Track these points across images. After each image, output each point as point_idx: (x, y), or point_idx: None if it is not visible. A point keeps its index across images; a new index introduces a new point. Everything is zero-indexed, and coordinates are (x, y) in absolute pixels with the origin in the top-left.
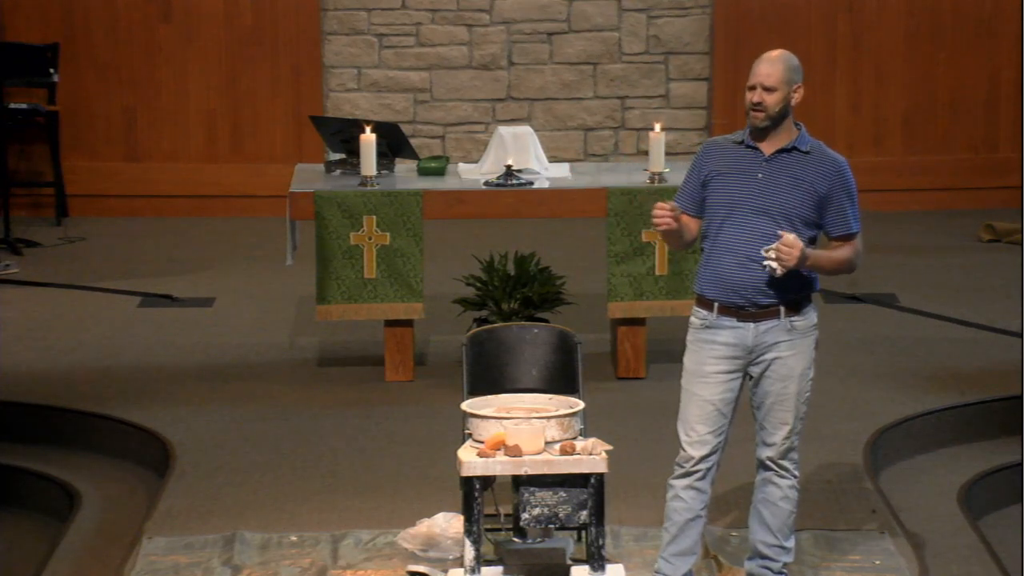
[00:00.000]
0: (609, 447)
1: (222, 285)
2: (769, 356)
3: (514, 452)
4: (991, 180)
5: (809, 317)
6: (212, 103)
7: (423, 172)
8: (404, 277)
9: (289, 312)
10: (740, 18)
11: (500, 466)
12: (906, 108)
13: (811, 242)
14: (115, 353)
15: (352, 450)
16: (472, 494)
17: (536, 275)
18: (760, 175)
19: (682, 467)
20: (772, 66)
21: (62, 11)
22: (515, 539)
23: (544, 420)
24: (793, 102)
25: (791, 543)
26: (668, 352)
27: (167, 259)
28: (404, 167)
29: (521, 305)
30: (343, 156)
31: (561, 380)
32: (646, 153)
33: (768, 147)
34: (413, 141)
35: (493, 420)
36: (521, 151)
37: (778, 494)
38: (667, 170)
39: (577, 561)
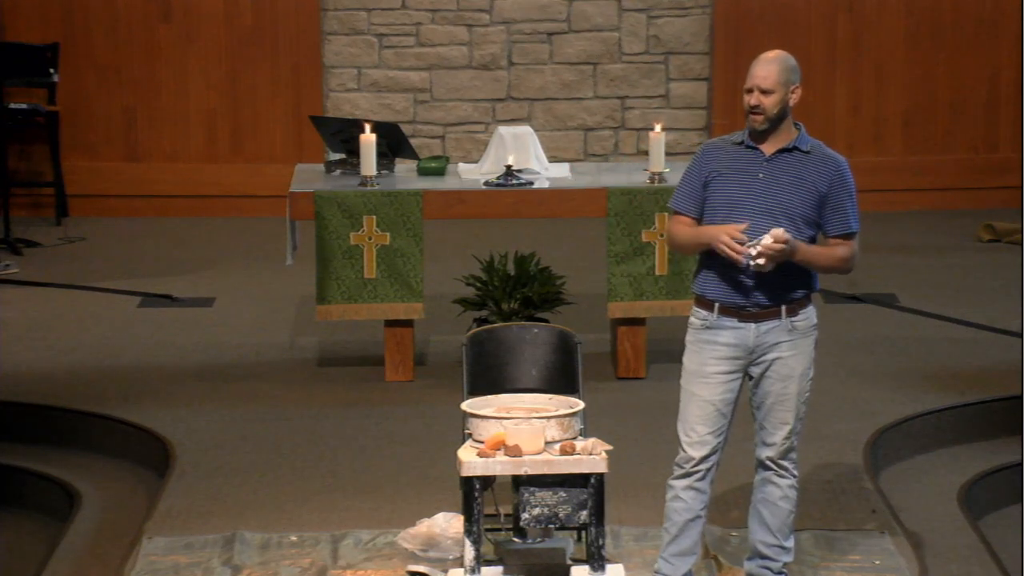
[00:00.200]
0: (609, 447)
1: (222, 285)
2: (770, 356)
3: (514, 452)
4: (991, 180)
5: (809, 317)
6: (212, 103)
7: (423, 172)
8: (404, 277)
9: (289, 312)
10: (740, 18)
11: (500, 466)
12: (906, 108)
13: (811, 241)
14: (115, 353)
15: (352, 450)
16: (472, 494)
17: (536, 275)
18: (761, 175)
19: (682, 467)
20: (768, 68)
21: (62, 11)
22: (515, 539)
23: (544, 420)
24: (791, 103)
25: (791, 543)
26: (668, 352)
27: (167, 259)
28: (404, 167)
29: (521, 305)
30: (343, 156)
31: (561, 380)
32: (646, 153)
33: (768, 147)
34: (413, 141)
35: (493, 420)
36: (521, 151)
37: (777, 494)
38: (667, 170)
39: (577, 561)
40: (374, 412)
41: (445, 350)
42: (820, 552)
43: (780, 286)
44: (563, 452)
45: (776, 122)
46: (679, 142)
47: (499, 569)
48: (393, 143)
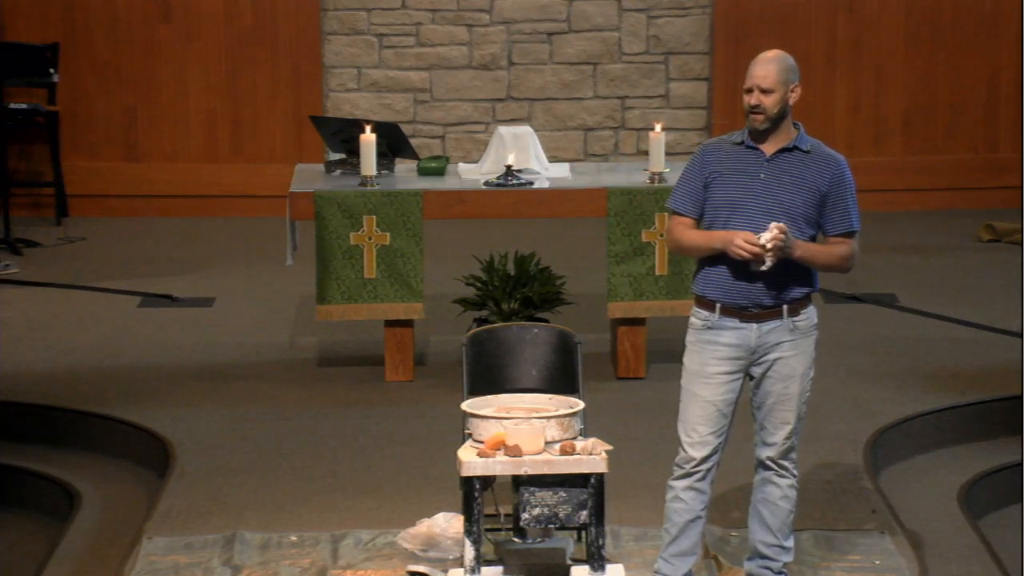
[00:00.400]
0: (609, 447)
1: (222, 285)
2: (772, 356)
3: (514, 452)
4: (991, 180)
5: (810, 317)
6: (212, 103)
7: (423, 172)
8: (404, 277)
9: (289, 312)
10: (740, 18)
11: (500, 466)
12: (906, 108)
13: (811, 240)
14: (115, 353)
15: (352, 450)
16: (472, 494)
17: (536, 275)
18: (762, 175)
19: (682, 468)
20: (768, 68)
21: (62, 11)
22: (515, 539)
23: (544, 420)
24: (791, 102)
25: (791, 543)
26: (668, 352)
27: (167, 259)
28: (404, 167)
29: (521, 305)
30: (343, 156)
31: (561, 380)
32: (646, 153)
33: (769, 147)
34: (413, 141)
35: (493, 420)
36: (521, 151)
37: (778, 494)
38: (667, 170)
39: (577, 561)
40: (374, 412)
41: (445, 350)
42: (820, 552)
43: (781, 286)
44: (563, 452)
45: (776, 122)
46: (679, 142)
47: (499, 569)
48: (393, 143)
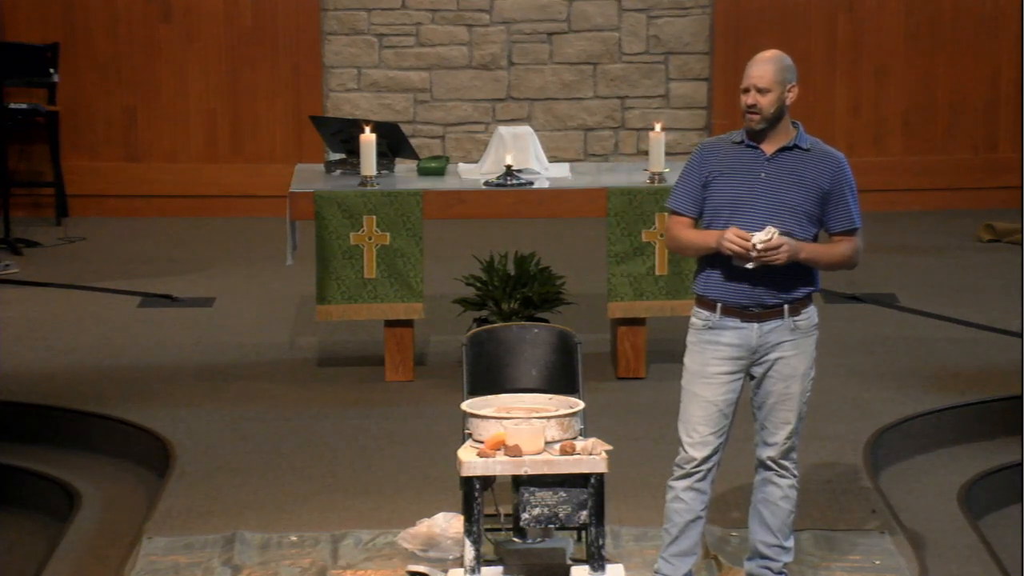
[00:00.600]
0: (609, 447)
1: (222, 285)
2: (772, 356)
3: (514, 452)
4: (991, 180)
5: (811, 316)
6: (212, 103)
7: (423, 172)
8: (404, 277)
9: (289, 312)
10: (740, 18)
11: (500, 466)
12: (906, 108)
13: (814, 239)
14: (115, 353)
15: (352, 450)
16: (472, 494)
17: (536, 275)
18: (763, 174)
19: (682, 468)
20: (764, 67)
21: (62, 11)
22: (515, 539)
23: (544, 420)
24: (788, 101)
25: (791, 543)
26: (668, 352)
27: (167, 259)
28: (404, 167)
29: (521, 305)
30: (343, 156)
31: (561, 380)
32: (646, 153)
33: (769, 146)
34: (413, 141)
35: (493, 420)
36: (521, 151)
37: (778, 494)
38: (667, 170)
39: (577, 561)
40: (374, 412)
41: (445, 350)
42: (820, 552)
43: (782, 286)
44: (563, 452)
45: (774, 121)
46: (679, 142)
47: (499, 569)
48: (393, 143)
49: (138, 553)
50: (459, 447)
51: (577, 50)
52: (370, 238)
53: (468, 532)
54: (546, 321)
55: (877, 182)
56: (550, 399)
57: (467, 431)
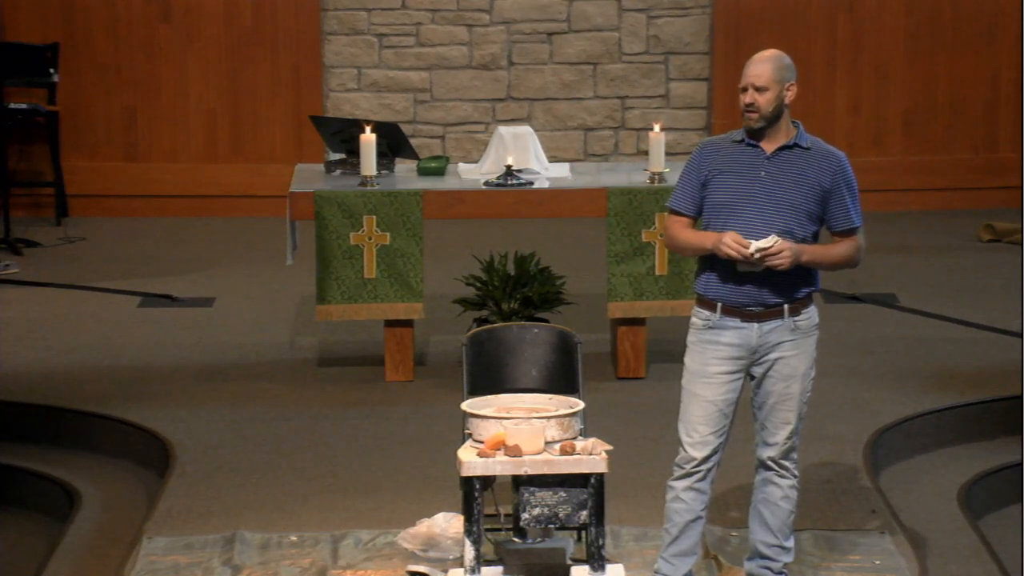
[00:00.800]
0: (609, 447)
1: (222, 285)
2: (773, 356)
3: (514, 452)
4: (991, 180)
5: (812, 316)
6: (212, 103)
7: (423, 172)
8: (404, 277)
9: (289, 312)
10: (740, 18)
11: (500, 466)
12: (906, 108)
13: (813, 237)
14: (115, 353)
15: (352, 450)
16: (472, 494)
17: (536, 275)
18: (763, 173)
19: (682, 468)
20: (762, 66)
21: (62, 11)
22: (515, 539)
23: (544, 420)
24: (787, 100)
25: (791, 543)
26: (668, 352)
27: (167, 259)
28: (404, 167)
29: (521, 305)
30: (343, 156)
31: (561, 380)
32: (646, 153)
33: (769, 145)
34: (413, 141)
35: (493, 420)
36: (521, 151)
37: (778, 494)
38: (667, 170)
39: (577, 561)
40: (374, 412)
41: (445, 350)
42: (820, 552)
43: (783, 286)
44: (563, 452)
45: (772, 120)
46: (679, 142)
47: (499, 569)
48: (393, 143)
49: (138, 553)
50: (459, 447)
51: (577, 50)
52: (370, 238)
53: (468, 532)
54: (546, 321)
55: (877, 182)
56: (550, 399)
57: (467, 431)
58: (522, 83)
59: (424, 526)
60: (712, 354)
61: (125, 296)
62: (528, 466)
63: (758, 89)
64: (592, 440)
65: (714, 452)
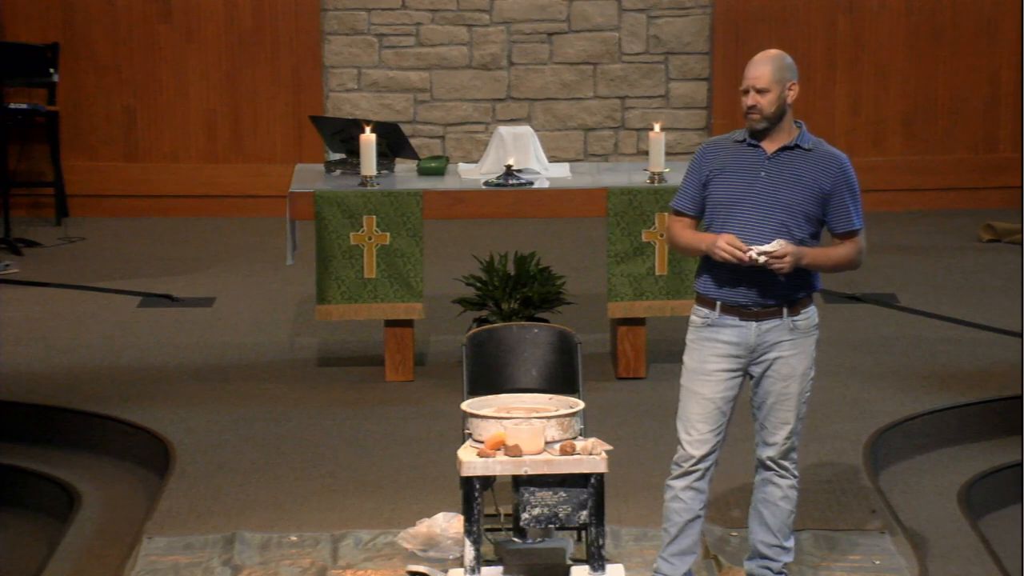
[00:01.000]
0: (609, 447)
1: (222, 285)
2: (771, 355)
3: (514, 452)
4: (991, 180)
5: (811, 316)
6: (212, 103)
7: (423, 172)
8: (404, 277)
9: (289, 312)
10: (740, 18)
11: (500, 466)
12: (906, 108)
13: (813, 238)
14: (115, 353)
15: (352, 450)
16: (472, 494)
17: (536, 275)
18: (763, 173)
19: (681, 467)
20: (762, 67)
21: (62, 11)
22: (515, 539)
23: (544, 420)
24: (789, 100)
25: (791, 543)
26: (668, 352)
27: (167, 259)
28: (404, 167)
29: (521, 305)
30: (343, 156)
31: (561, 380)
32: (646, 153)
33: (770, 145)
34: (413, 141)
35: (493, 420)
36: (521, 151)
37: (778, 494)
38: (667, 170)
39: (577, 561)
40: (374, 412)
41: (445, 350)
42: (820, 552)
43: (782, 286)
44: (563, 452)
45: (775, 121)
46: (679, 142)
47: (499, 569)
48: (393, 143)
49: (138, 553)
50: (459, 447)
51: (577, 50)
52: (370, 238)
53: (468, 532)
54: (546, 321)
55: (877, 182)
56: (550, 399)
57: (467, 431)
58: (522, 83)
59: (424, 526)
60: (710, 351)
61: (125, 296)
62: (528, 466)
63: (759, 91)
64: (592, 440)
65: (712, 451)
